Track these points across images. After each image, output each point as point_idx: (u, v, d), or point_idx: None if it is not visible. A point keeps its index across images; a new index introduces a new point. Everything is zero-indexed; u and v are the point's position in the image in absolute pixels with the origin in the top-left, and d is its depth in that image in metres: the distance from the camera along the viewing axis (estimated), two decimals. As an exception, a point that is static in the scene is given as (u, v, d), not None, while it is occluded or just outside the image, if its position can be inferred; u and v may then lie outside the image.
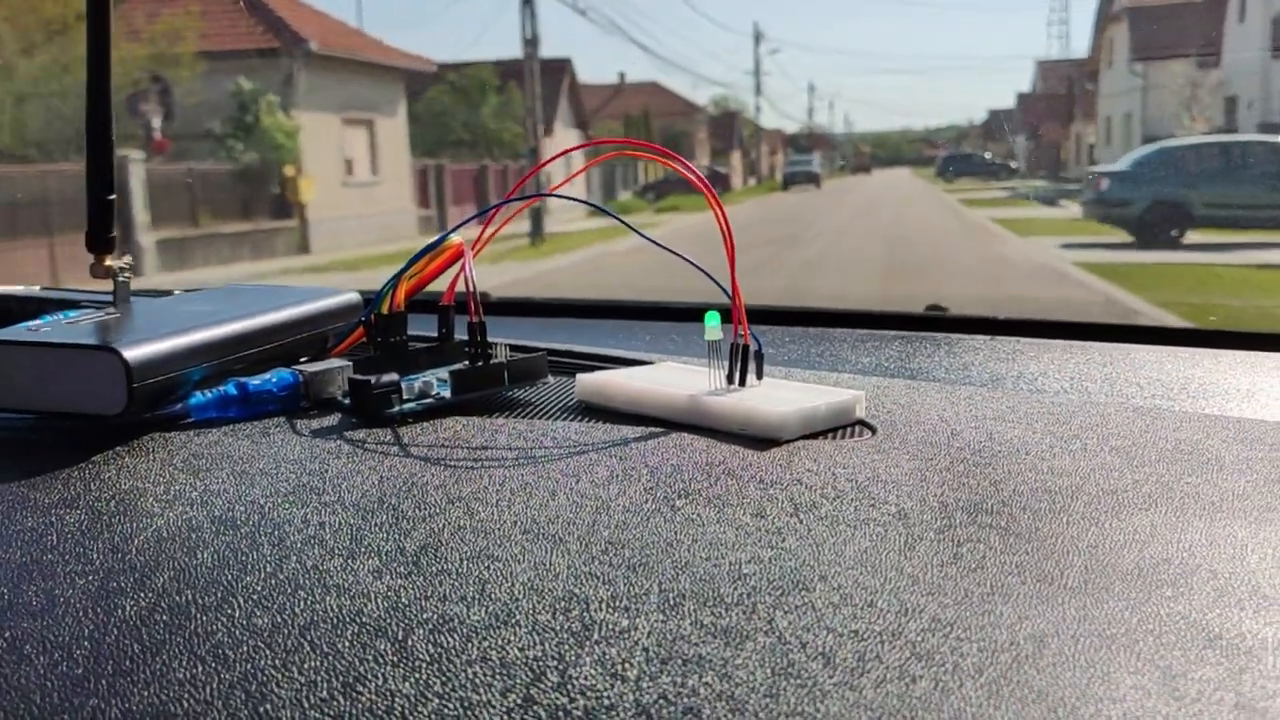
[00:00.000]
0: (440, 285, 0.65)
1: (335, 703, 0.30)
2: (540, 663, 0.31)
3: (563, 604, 0.35)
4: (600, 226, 13.45)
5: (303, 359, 0.64)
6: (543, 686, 0.30)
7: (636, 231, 0.63)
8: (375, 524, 0.41)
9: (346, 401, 0.58)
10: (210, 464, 0.49)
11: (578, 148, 0.68)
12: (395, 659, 0.32)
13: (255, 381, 0.58)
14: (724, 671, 0.30)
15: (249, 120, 12.38)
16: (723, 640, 0.32)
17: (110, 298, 0.66)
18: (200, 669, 0.31)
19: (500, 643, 0.32)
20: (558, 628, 0.33)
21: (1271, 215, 7.80)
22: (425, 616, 0.34)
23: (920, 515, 0.42)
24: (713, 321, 0.56)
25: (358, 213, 13.54)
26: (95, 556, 0.39)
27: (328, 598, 0.35)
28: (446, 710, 0.29)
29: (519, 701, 0.29)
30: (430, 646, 0.32)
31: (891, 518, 0.42)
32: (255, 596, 0.36)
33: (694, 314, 0.94)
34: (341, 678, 0.31)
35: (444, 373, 0.59)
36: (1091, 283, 6.73)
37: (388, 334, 0.63)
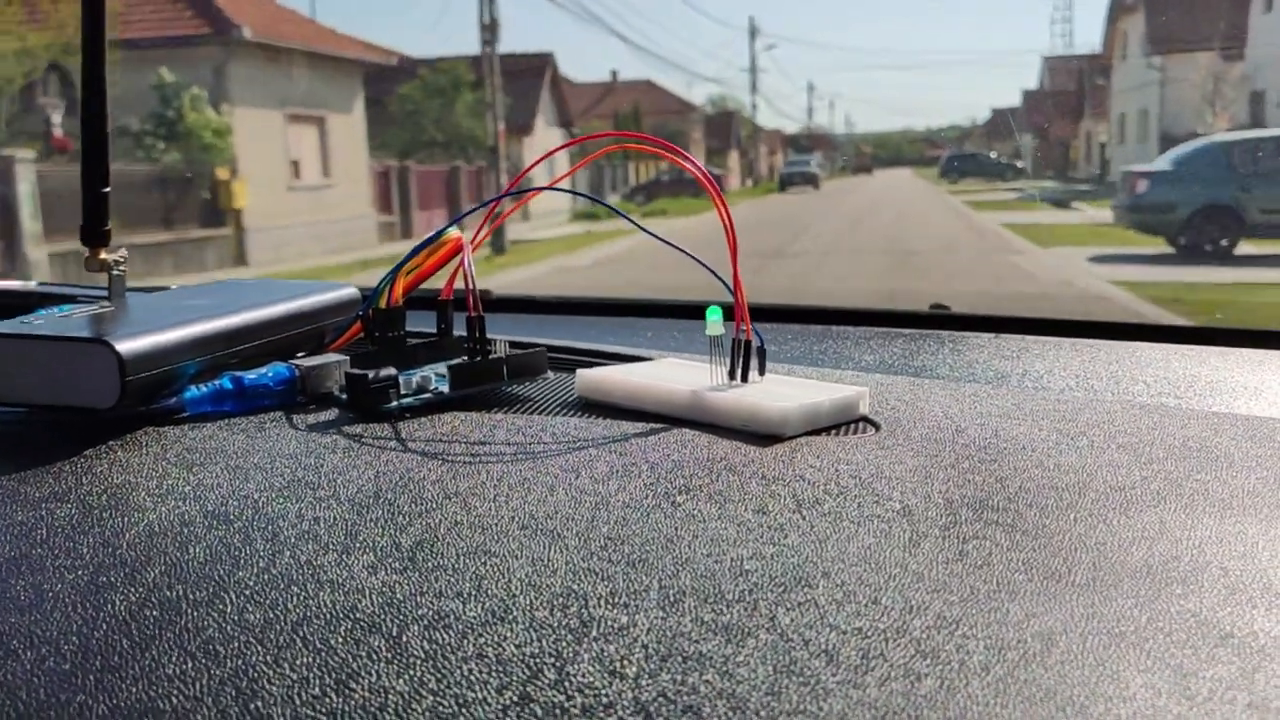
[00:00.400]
0: (439, 281, 0.64)
1: (327, 700, 0.29)
2: (537, 660, 0.30)
3: (561, 600, 0.34)
4: (571, 234, 12.66)
5: (300, 353, 0.63)
6: (540, 684, 0.29)
7: (642, 228, 0.62)
8: (370, 519, 0.41)
9: (343, 396, 0.57)
10: (204, 458, 0.48)
11: (575, 142, 0.67)
12: (389, 655, 0.31)
13: (251, 376, 0.57)
14: (725, 669, 0.30)
15: (171, 116, 10.99)
16: (724, 637, 0.31)
17: (105, 292, 0.65)
18: (190, 665, 0.31)
19: (497, 639, 0.32)
20: (555, 624, 0.32)
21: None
22: (420, 612, 0.33)
23: (925, 512, 0.41)
24: (714, 317, 0.55)
25: (306, 219, 12.23)
26: (85, 551, 0.38)
27: (321, 593, 0.35)
28: (441, 708, 0.28)
29: (515, 699, 0.29)
30: (425, 643, 0.31)
31: (896, 514, 0.41)
32: (247, 592, 0.35)
33: (696, 311, 0.94)
34: (334, 674, 0.30)
35: (442, 368, 0.59)
36: (1145, 310, 5.03)
37: (386, 329, 0.62)
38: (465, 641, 0.32)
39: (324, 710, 0.29)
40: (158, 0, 11.56)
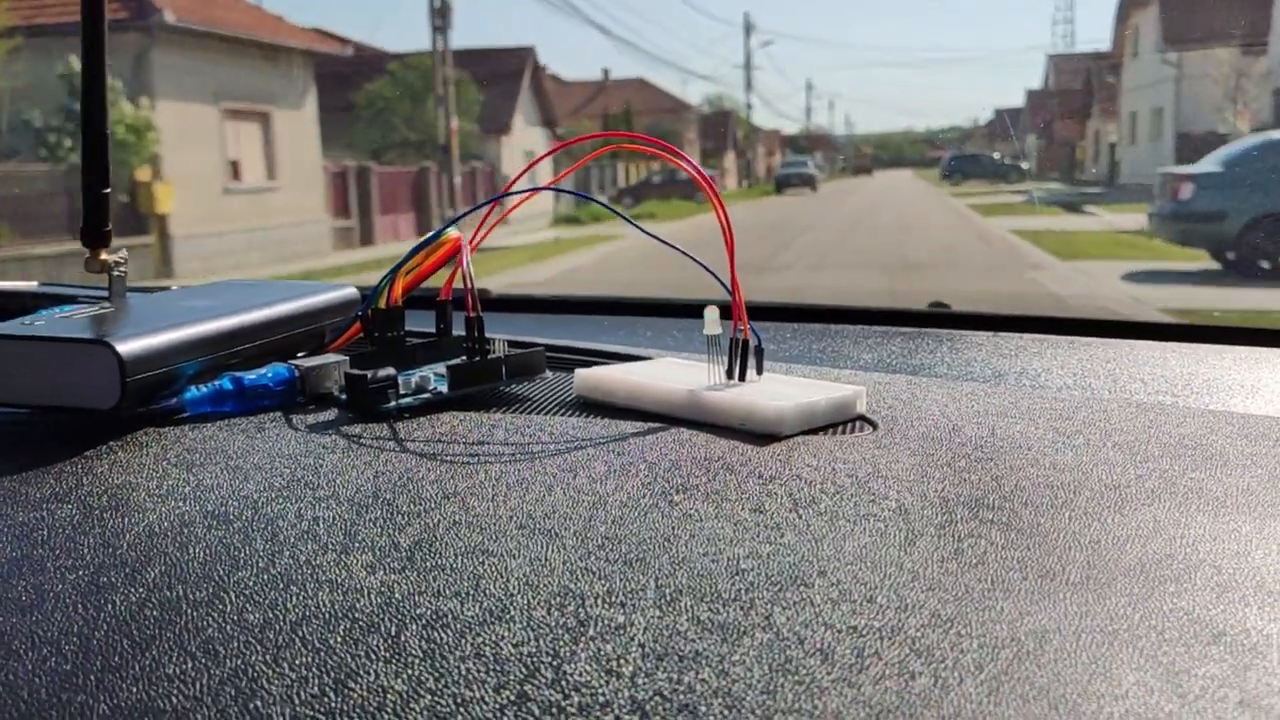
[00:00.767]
0: (438, 281, 0.64)
1: (326, 699, 0.29)
2: (535, 659, 0.31)
3: (558, 599, 0.34)
4: (546, 240, 11.86)
5: (299, 354, 0.64)
6: (537, 683, 0.30)
7: (644, 230, 0.62)
8: (369, 519, 0.41)
9: (343, 396, 0.58)
10: (204, 459, 0.49)
11: (572, 142, 0.67)
12: (388, 655, 0.31)
13: (250, 376, 0.57)
14: (721, 668, 0.30)
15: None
16: (720, 636, 0.32)
17: (106, 293, 0.65)
18: (190, 665, 0.31)
19: (494, 638, 0.32)
20: (553, 623, 0.33)
21: None
22: (419, 612, 0.33)
23: (921, 511, 0.42)
24: (712, 316, 0.56)
25: (246, 225, 10.96)
26: (86, 551, 0.38)
27: (320, 593, 0.35)
28: (439, 706, 0.29)
29: (513, 698, 0.29)
30: (423, 642, 0.32)
31: (892, 513, 0.41)
32: (247, 592, 0.35)
33: (694, 310, 0.94)
34: (333, 674, 0.30)
35: (441, 368, 0.59)
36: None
37: (385, 329, 0.62)
38: (463, 641, 0.32)
39: (323, 709, 0.29)
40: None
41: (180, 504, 0.43)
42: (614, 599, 0.34)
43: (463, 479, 0.46)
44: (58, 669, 0.31)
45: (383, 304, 0.62)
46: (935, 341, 0.85)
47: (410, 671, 0.30)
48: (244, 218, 11.15)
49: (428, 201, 15.26)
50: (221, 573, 0.37)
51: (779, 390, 0.55)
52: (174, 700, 0.29)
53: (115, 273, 0.65)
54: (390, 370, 0.56)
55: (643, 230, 0.62)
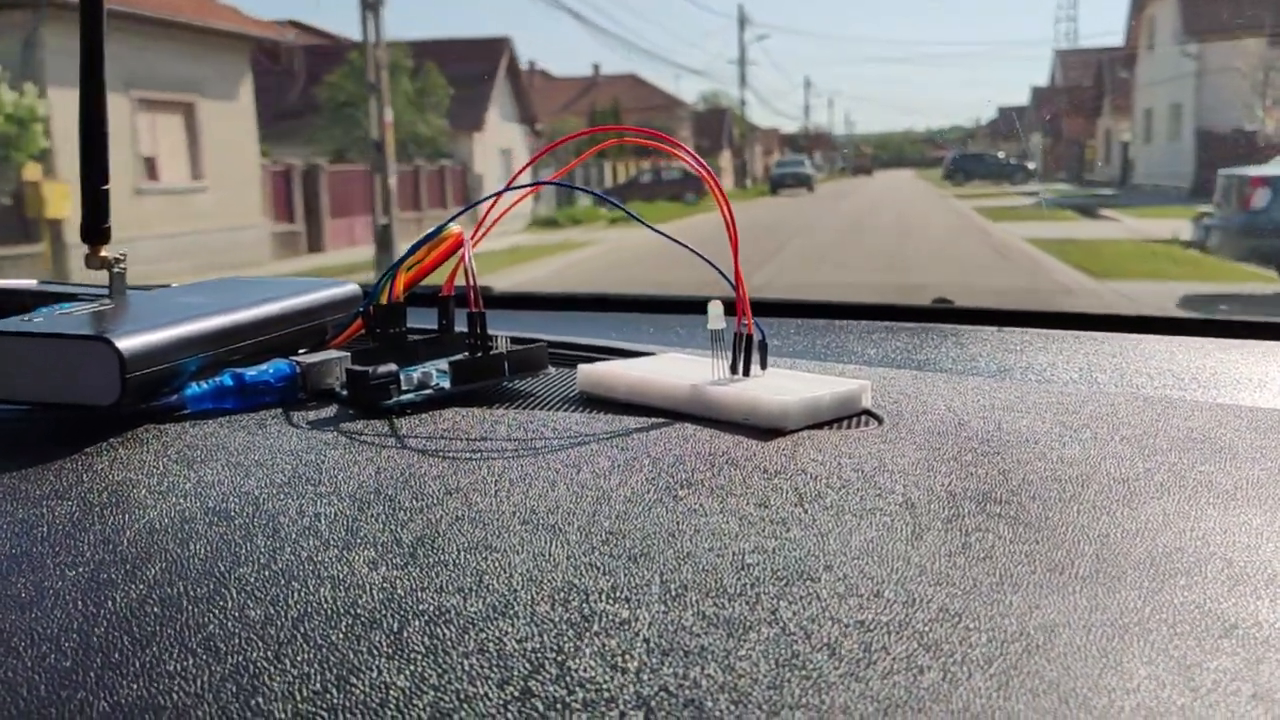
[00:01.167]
0: (439, 277, 0.64)
1: (328, 695, 0.29)
2: (539, 654, 0.30)
3: (562, 595, 0.34)
4: (515, 245, 10.76)
5: (300, 350, 0.63)
6: (541, 678, 0.29)
7: (645, 224, 0.62)
8: (371, 515, 0.41)
9: (344, 393, 0.57)
10: (205, 455, 0.48)
11: (570, 138, 0.66)
12: (390, 651, 0.31)
13: (252, 372, 0.57)
14: (727, 663, 0.30)
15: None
16: (725, 631, 0.31)
17: (106, 290, 0.65)
18: (191, 661, 0.31)
19: (498, 634, 0.31)
20: (557, 619, 0.32)
21: None
22: (421, 608, 0.33)
23: (928, 505, 0.41)
24: (716, 310, 0.55)
25: (164, 231, 9.46)
26: (86, 548, 0.38)
27: (322, 589, 0.35)
28: (442, 703, 0.28)
29: (517, 694, 0.29)
30: (426, 638, 0.31)
31: (898, 507, 0.41)
32: (248, 588, 0.35)
33: (697, 306, 0.94)
34: (335, 670, 0.30)
35: (443, 364, 0.59)
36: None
37: (386, 325, 0.62)
38: (466, 636, 0.31)
39: (325, 706, 0.28)
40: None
41: (181, 500, 0.43)
42: (618, 594, 0.34)
43: (465, 475, 0.45)
44: (58, 666, 0.31)
45: (384, 300, 0.62)
46: (940, 337, 0.85)
47: (413, 668, 0.30)
48: (161, 222, 9.68)
49: (390, 202, 14.48)
50: (222, 569, 0.36)
51: (783, 385, 0.54)
52: (175, 697, 0.29)
53: (115, 270, 0.65)
54: (392, 366, 0.56)
55: (650, 227, 0.62)
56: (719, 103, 30.07)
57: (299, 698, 0.29)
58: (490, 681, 0.29)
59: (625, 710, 0.28)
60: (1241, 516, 0.40)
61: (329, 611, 0.33)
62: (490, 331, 0.59)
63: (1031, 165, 15.75)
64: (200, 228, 10.25)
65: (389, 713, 0.28)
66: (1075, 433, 0.51)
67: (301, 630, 0.32)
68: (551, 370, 0.62)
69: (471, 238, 0.61)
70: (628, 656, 0.30)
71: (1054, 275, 6.99)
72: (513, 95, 19.01)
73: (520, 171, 0.67)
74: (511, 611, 0.33)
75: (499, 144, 17.75)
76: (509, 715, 0.28)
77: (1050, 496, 0.42)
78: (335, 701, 0.29)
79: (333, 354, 0.60)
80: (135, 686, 0.30)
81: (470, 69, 16.65)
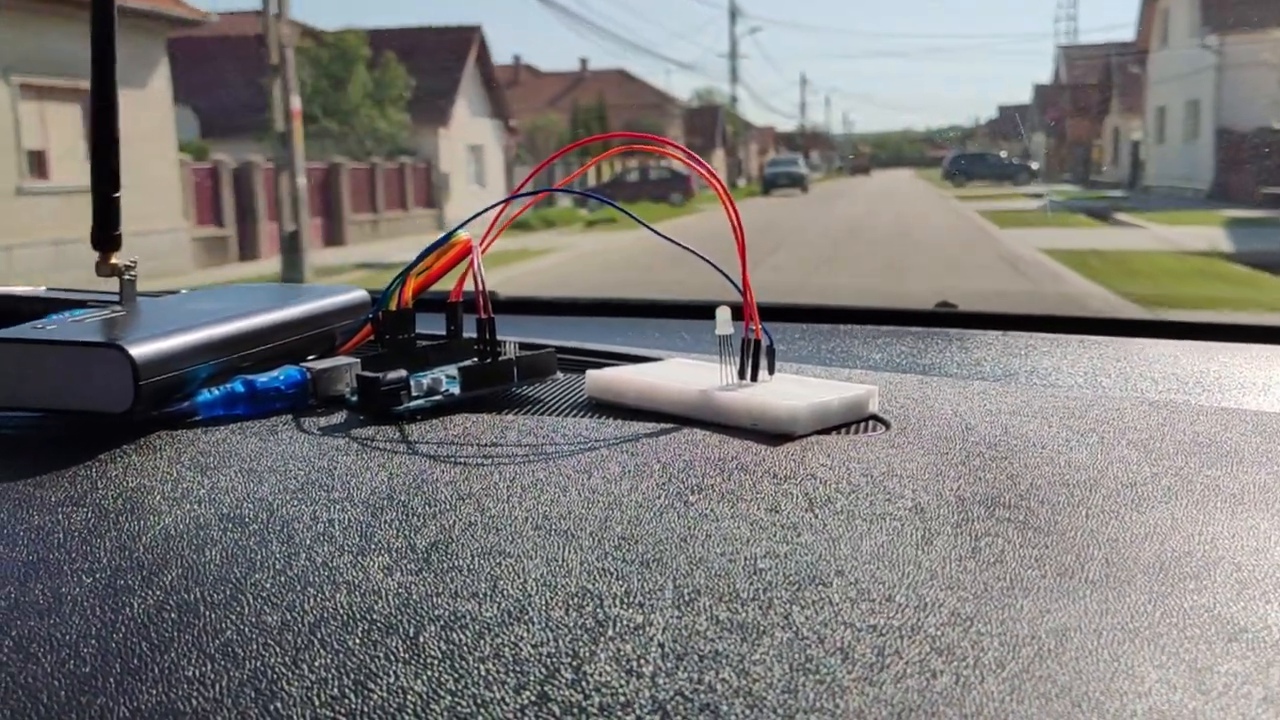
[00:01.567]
0: (448, 283, 0.64)
1: (346, 700, 0.29)
2: (554, 659, 0.31)
3: (576, 600, 0.34)
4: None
5: (310, 356, 0.64)
6: (557, 683, 0.30)
7: (651, 229, 0.62)
8: (385, 521, 0.41)
9: (354, 399, 0.58)
10: (218, 461, 0.49)
11: (585, 142, 0.67)
12: (407, 656, 0.31)
13: (263, 379, 0.57)
14: (741, 667, 0.30)
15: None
16: (739, 636, 0.32)
17: (116, 297, 0.65)
18: (209, 667, 0.31)
19: (513, 639, 0.32)
20: (571, 624, 0.33)
21: None
22: (437, 613, 0.33)
23: (937, 509, 0.42)
24: (724, 316, 0.55)
25: (55, 236, 8.29)
26: (102, 554, 0.38)
27: (338, 595, 0.35)
28: (460, 707, 0.29)
29: (533, 698, 0.29)
30: (442, 643, 0.32)
31: (908, 512, 0.41)
32: (264, 594, 0.35)
33: (703, 312, 0.94)
34: (352, 675, 0.30)
35: (453, 369, 0.59)
36: None
37: (395, 331, 0.62)
38: (482, 641, 0.32)
39: (343, 711, 0.29)
40: None
41: (195, 507, 0.43)
42: (632, 599, 0.34)
43: (477, 480, 0.46)
44: (76, 672, 0.31)
45: (393, 306, 0.62)
46: (944, 341, 0.85)
47: (430, 673, 0.30)
48: (50, 226, 8.48)
49: (340, 203, 12.95)
50: (238, 575, 0.37)
51: (791, 390, 0.55)
52: (194, 702, 0.29)
53: (126, 277, 0.65)
54: (402, 372, 0.56)
55: (660, 234, 0.62)
56: (713, 100, 29.17)
57: (317, 703, 0.29)
58: (507, 686, 0.29)
59: (641, 715, 0.28)
60: (1249, 521, 0.40)
61: (345, 617, 0.33)
62: (498, 337, 0.59)
63: (1035, 165, 14.97)
64: (99, 232, 9.21)
65: (407, 717, 0.28)
66: (1082, 437, 0.51)
67: (318, 635, 0.32)
68: (560, 376, 0.63)
69: (480, 243, 0.61)
70: (643, 661, 0.30)
71: (1087, 300, 5.73)
72: (484, 88, 17.68)
73: (531, 176, 0.67)
74: (526, 617, 0.33)
75: (468, 140, 16.87)
76: (526, 719, 0.28)
77: (1059, 501, 0.42)
78: (353, 706, 0.29)
79: (343, 360, 0.60)
80: (154, 692, 0.30)
81: (436, 60, 15.61)
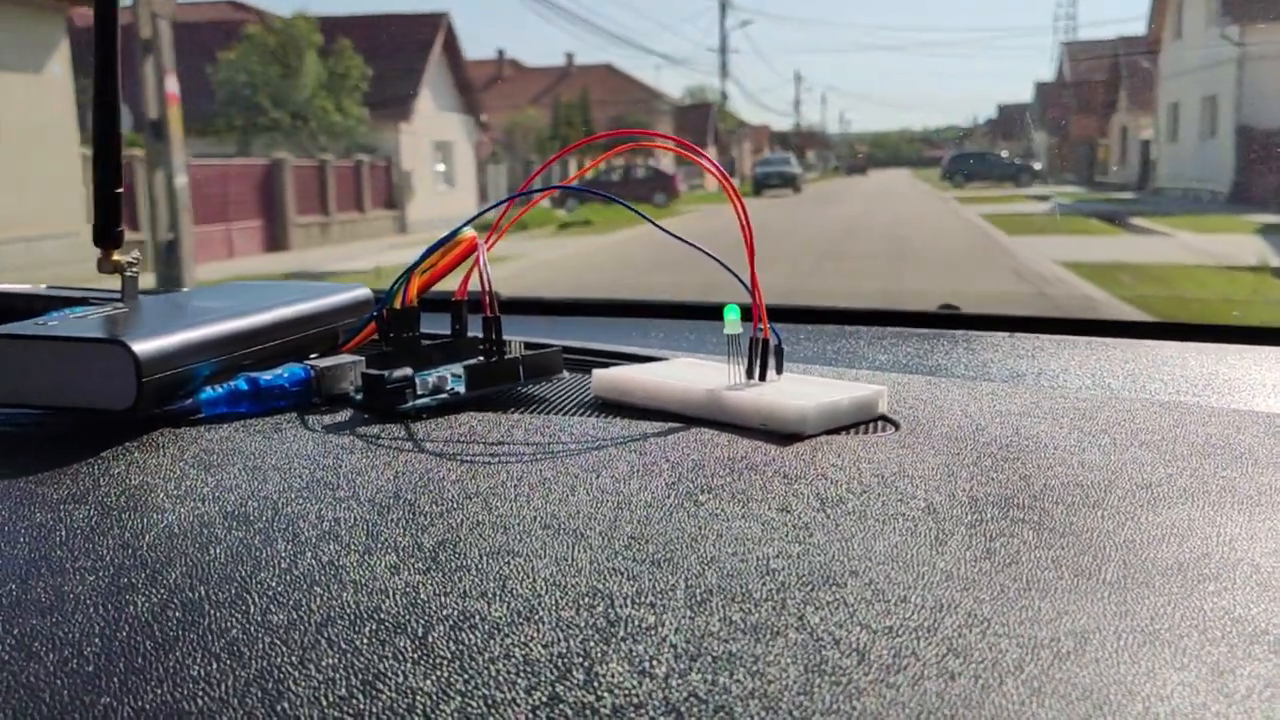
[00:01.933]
0: (453, 282, 0.64)
1: (355, 700, 0.29)
2: (565, 660, 0.30)
3: (586, 600, 0.34)
4: (365, 269, 8.74)
5: (314, 354, 0.63)
6: (569, 684, 0.29)
7: (661, 228, 0.62)
8: (391, 519, 0.40)
9: (359, 397, 0.57)
10: (222, 459, 0.48)
11: (583, 143, 0.66)
12: (415, 656, 0.31)
13: (266, 376, 0.57)
14: (756, 669, 0.29)
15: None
16: (753, 637, 0.31)
17: (119, 294, 0.65)
18: (215, 666, 0.30)
19: (523, 639, 0.31)
20: (582, 624, 0.32)
21: None
22: (445, 613, 0.33)
23: (950, 510, 0.41)
24: (733, 316, 0.55)
25: None
26: (105, 552, 0.38)
27: (344, 594, 0.34)
28: (470, 708, 0.28)
29: (545, 699, 0.28)
30: (451, 643, 0.31)
31: (921, 512, 0.41)
32: (270, 592, 0.35)
33: (708, 312, 0.94)
34: (360, 675, 0.30)
35: (458, 368, 0.58)
36: None
37: (400, 329, 0.62)
38: (492, 642, 0.31)
39: (351, 711, 0.28)
40: None
41: (199, 504, 0.42)
42: (644, 599, 0.34)
43: (484, 479, 0.45)
44: (80, 670, 0.30)
45: (398, 304, 0.62)
46: (950, 342, 0.85)
47: (439, 673, 0.30)
48: None
49: (282, 205, 11.55)
50: (244, 573, 0.36)
51: (800, 390, 0.54)
52: (199, 702, 0.29)
53: (128, 273, 0.64)
54: (408, 370, 0.56)
55: (669, 232, 0.62)
56: (705, 97, 28.32)
57: (325, 703, 0.29)
58: (517, 687, 0.29)
59: (655, 716, 0.28)
60: (1267, 522, 0.40)
61: (352, 616, 0.33)
62: (503, 336, 0.59)
63: (1037, 166, 14.27)
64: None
65: (416, 718, 0.28)
66: (1093, 438, 0.51)
67: (325, 635, 0.32)
68: (565, 375, 0.62)
69: (485, 241, 0.61)
70: (655, 662, 0.30)
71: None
72: (453, 81, 16.08)
73: (537, 174, 0.67)
74: (536, 617, 0.33)
75: (435, 136, 15.41)
76: None
77: (1073, 501, 0.42)
78: (362, 707, 0.28)
79: (347, 358, 0.60)
80: (159, 691, 0.29)
81: (397, 49, 14.40)
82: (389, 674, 0.30)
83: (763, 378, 0.56)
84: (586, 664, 0.30)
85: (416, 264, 0.62)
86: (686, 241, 0.58)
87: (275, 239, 11.93)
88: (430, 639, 0.31)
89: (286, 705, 0.29)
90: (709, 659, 0.30)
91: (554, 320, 1.01)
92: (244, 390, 0.56)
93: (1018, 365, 0.76)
